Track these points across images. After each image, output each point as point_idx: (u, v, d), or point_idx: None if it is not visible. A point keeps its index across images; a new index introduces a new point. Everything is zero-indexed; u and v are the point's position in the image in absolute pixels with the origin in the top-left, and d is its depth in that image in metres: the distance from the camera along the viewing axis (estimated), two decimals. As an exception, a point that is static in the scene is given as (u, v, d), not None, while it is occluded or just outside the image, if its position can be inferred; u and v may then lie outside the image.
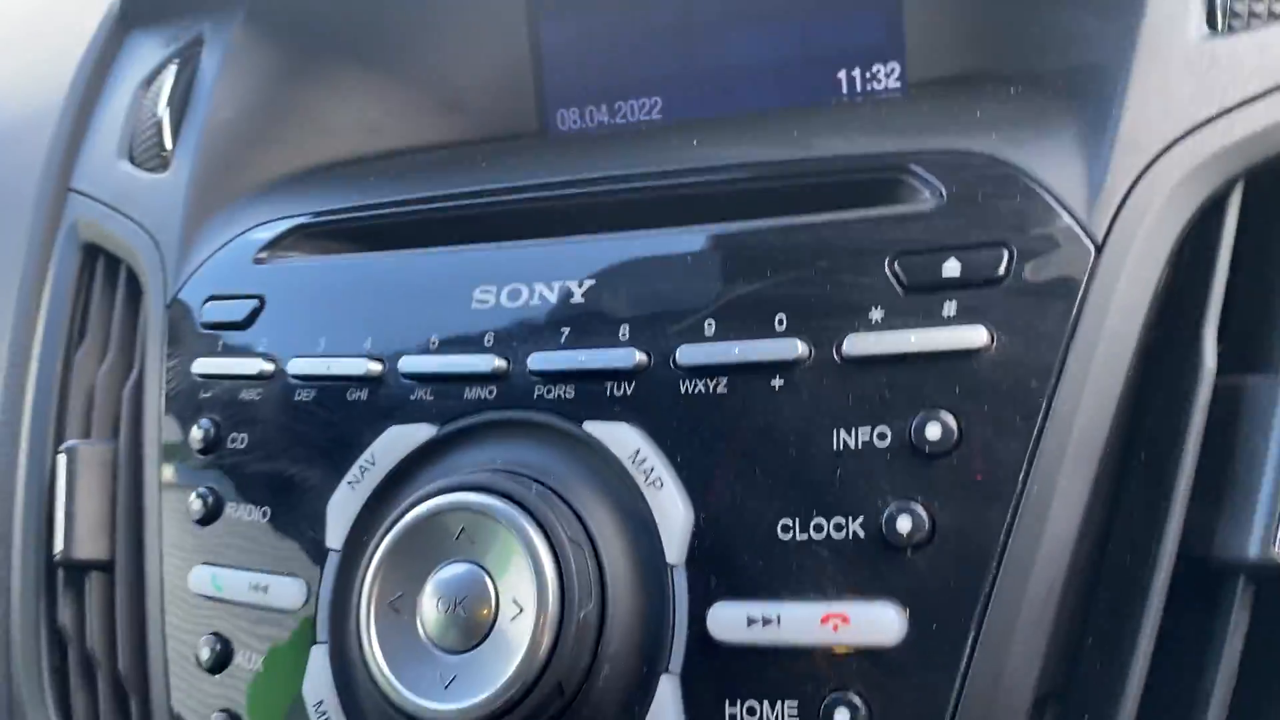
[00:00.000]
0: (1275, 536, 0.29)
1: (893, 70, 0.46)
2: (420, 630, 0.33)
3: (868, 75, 0.47)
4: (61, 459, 0.45)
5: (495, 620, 0.32)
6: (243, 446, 0.40)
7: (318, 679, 0.36)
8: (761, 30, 0.48)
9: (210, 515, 0.40)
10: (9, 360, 0.50)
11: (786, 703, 0.31)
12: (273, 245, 0.44)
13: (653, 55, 0.50)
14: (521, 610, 0.32)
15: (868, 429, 0.31)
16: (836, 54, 0.47)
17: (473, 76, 0.51)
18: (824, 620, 0.30)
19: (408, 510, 0.34)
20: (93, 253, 0.49)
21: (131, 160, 0.50)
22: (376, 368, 0.38)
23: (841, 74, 0.47)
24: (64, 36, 0.56)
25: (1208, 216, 0.32)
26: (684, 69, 0.49)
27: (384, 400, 0.38)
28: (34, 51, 0.58)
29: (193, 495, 0.41)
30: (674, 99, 0.50)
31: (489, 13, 0.51)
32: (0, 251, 0.53)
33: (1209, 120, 0.31)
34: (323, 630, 0.37)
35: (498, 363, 0.36)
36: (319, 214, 0.44)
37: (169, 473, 0.42)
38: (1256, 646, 0.30)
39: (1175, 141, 0.31)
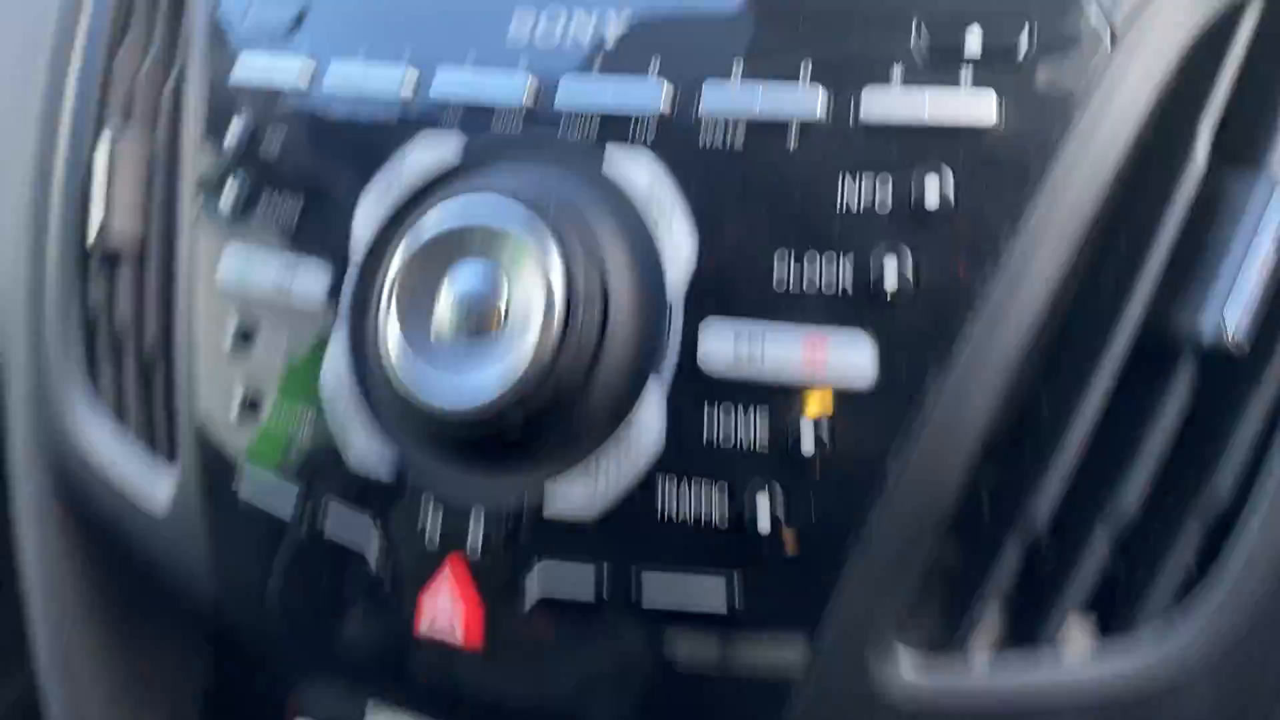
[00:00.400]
0: (1225, 320, 0.31)
1: None
2: (434, 325, 0.35)
3: None
4: (101, 149, 0.47)
5: (505, 320, 0.35)
6: (278, 147, 0.42)
7: (335, 365, 0.39)
8: None
9: (244, 208, 0.42)
10: (51, 55, 0.51)
11: (759, 422, 0.33)
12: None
13: None
14: (530, 313, 0.34)
15: (871, 186, 0.33)
16: None
17: None
18: (804, 351, 0.33)
19: (430, 214, 0.36)
20: None
21: None
22: (413, 80, 0.39)
23: None
24: None
25: (1225, 20, 0.33)
26: None
27: (418, 111, 0.39)
28: None
29: (226, 190, 0.43)
30: None
31: None
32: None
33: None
34: (343, 322, 0.39)
35: (530, 83, 0.38)
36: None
37: (206, 165, 0.44)
38: (1192, 429, 0.32)
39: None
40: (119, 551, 0.47)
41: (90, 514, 0.47)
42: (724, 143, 0.35)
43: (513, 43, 0.38)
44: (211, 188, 0.43)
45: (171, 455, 0.45)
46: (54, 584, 0.50)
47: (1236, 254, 0.31)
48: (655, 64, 0.36)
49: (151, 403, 0.47)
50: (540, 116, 0.38)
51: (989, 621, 0.33)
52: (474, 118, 0.38)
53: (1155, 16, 0.32)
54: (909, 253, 0.32)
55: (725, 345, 0.34)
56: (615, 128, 0.36)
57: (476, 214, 0.35)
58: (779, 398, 0.33)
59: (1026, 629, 0.33)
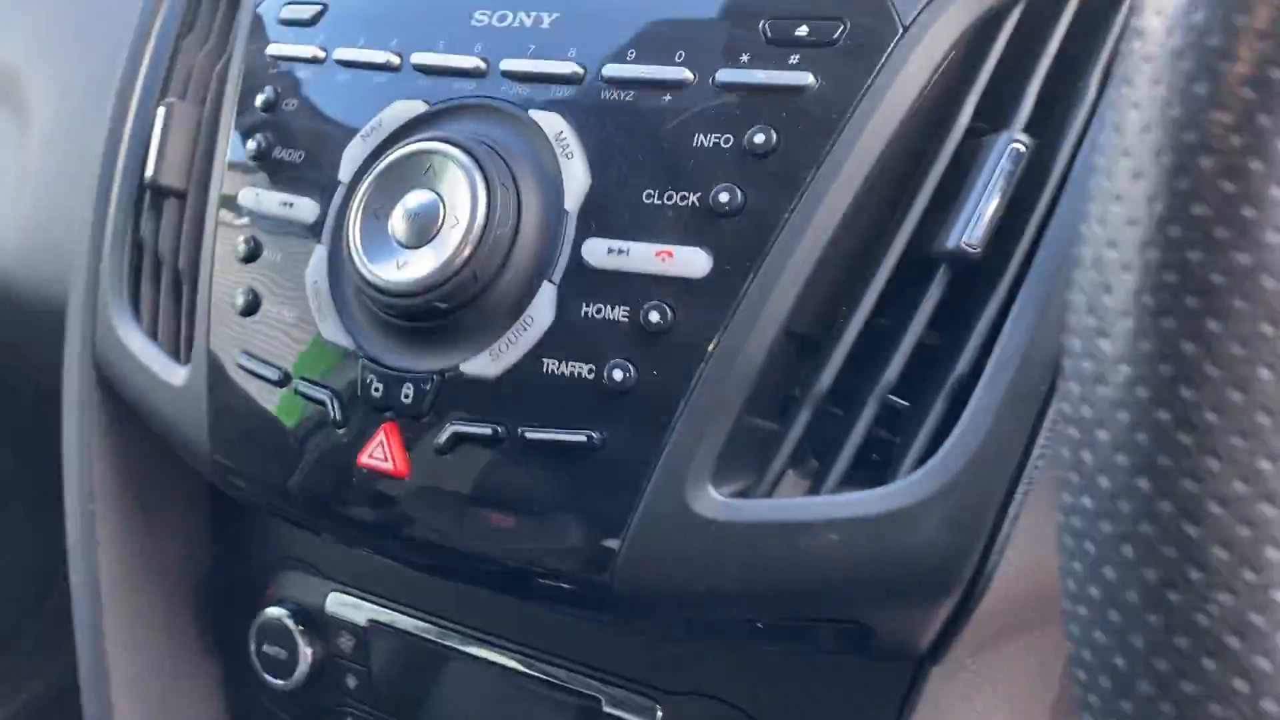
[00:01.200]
0: (963, 233, 0.41)
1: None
2: (389, 231, 0.47)
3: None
4: (161, 110, 0.60)
5: (440, 228, 0.46)
6: (292, 109, 0.54)
7: (317, 267, 0.51)
8: None
9: (262, 155, 0.54)
10: (133, 42, 0.64)
11: (621, 307, 0.44)
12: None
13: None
14: (458, 223, 0.45)
15: (718, 135, 0.44)
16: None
17: None
18: (657, 255, 0.44)
19: (395, 150, 0.48)
20: None
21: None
22: (395, 59, 0.52)
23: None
24: None
25: (992, 16, 0.44)
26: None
27: (396, 83, 0.51)
28: None
29: (251, 141, 0.55)
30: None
31: None
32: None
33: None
34: (326, 236, 0.51)
35: (479, 63, 0.49)
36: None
37: (239, 124, 0.56)
38: (943, 324, 0.42)
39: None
40: (141, 428, 0.59)
41: (122, 395, 0.59)
42: (616, 106, 0.46)
43: (471, 33, 0.50)
44: (240, 140, 0.56)
45: (187, 359, 0.56)
46: (87, 458, 0.62)
47: (979, 189, 0.42)
48: (573, 50, 0.48)
49: (178, 317, 0.58)
50: (486, 87, 0.49)
51: (783, 470, 0.43)
52: (437, 87, 0.50)
53: (939, 13, 0.43)
54: (738, 185, 0.43)
55: (601, 252, 0.45)
56: (541, 93, 0.48)
57: (424, 148, 0.47)
58: (636, 286, 0.44)
59: (813, 478, 0.43)
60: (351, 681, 0.60)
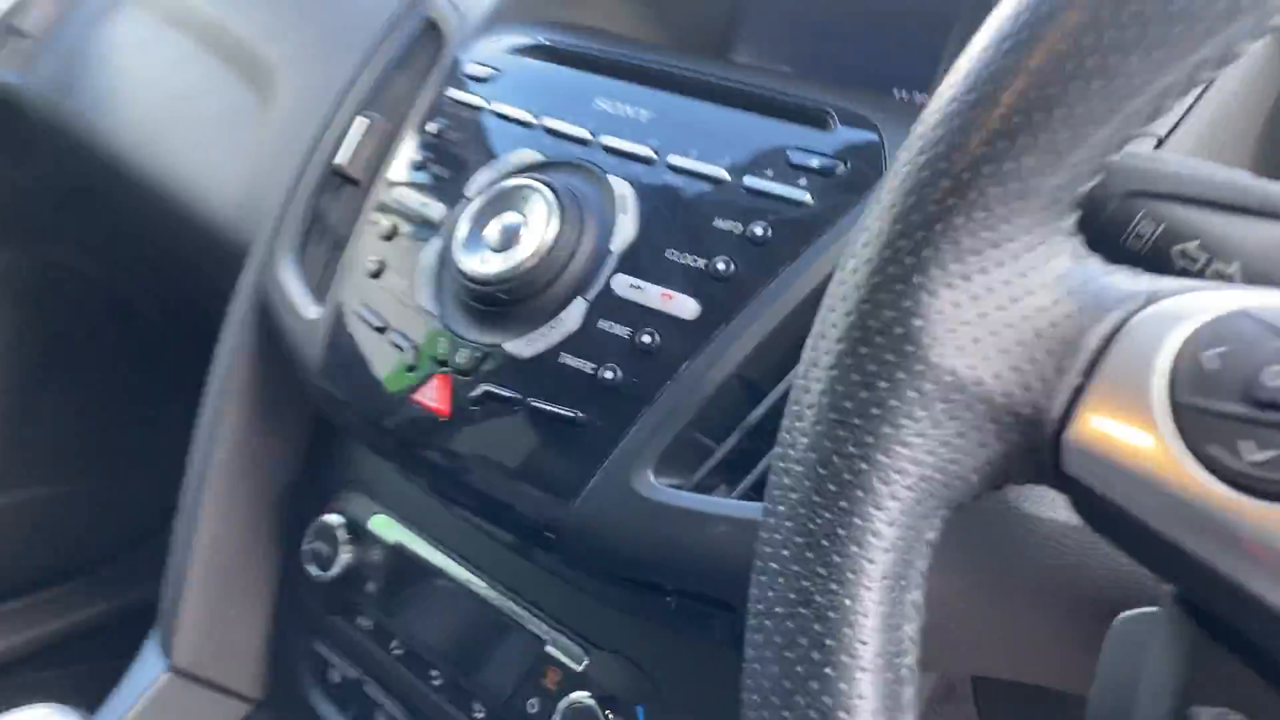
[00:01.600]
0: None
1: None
2: (484, 236, 0.63)
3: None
4: (363, 119, 0.78)
5: (519, 241, 0.61)
6: (451, 138, 0.72)
7: (429, 253, 0.67)
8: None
9: (419, 167, 0.71)
10: (358, 62, 0.84)
11: (625, 327, 0.58)
12: (521, 50, 0.75)
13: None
14: (532, 241, 0.61)
15: (732, 221, 0.58)
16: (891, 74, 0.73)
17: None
18: (662, 296, 0.58)
19: (507, 180, 0.64)
20: (426, 28, 0.82)
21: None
22: (531, 119, 0.68)
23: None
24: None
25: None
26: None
27: (526, 136, 0.68)
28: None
29: (416, 155, 0.72)
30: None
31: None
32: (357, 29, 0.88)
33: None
34: (443, 232, 0.67)
35: (587, 134, 0.65)
36: (553, 40, 0.74)
37: (412, 141, 0.74)
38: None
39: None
40: (276, 350, 0.76)
41: (271, 320, 0.77)
42: (669, 185, 0.61)
43: (589, 113, 0.67)
44: (409, 152, 0.73)
45: (322, 302, 0.73)
46: (232, 364, 0.79)
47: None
48: (653, 140, 0.63)
49: (326, 270, 0.76)
50: (586, 152, 0.65)
51: (708, 475, 0.56)
52: (553, 144, 0.67)
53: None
54: (733, 259, 0.57)
55: (625, 285, 0.59)
56: (621, 164, 0.63)
57: (526, 183, 0.63)
58: (640, 315, 0.58)
59: (729, 486, 0.56)
60: (371, 586, 0.75)
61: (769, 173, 0.59)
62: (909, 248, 0.34)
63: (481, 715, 0.69)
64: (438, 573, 0.72)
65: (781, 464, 0.36)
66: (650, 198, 0.62)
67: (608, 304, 0.60)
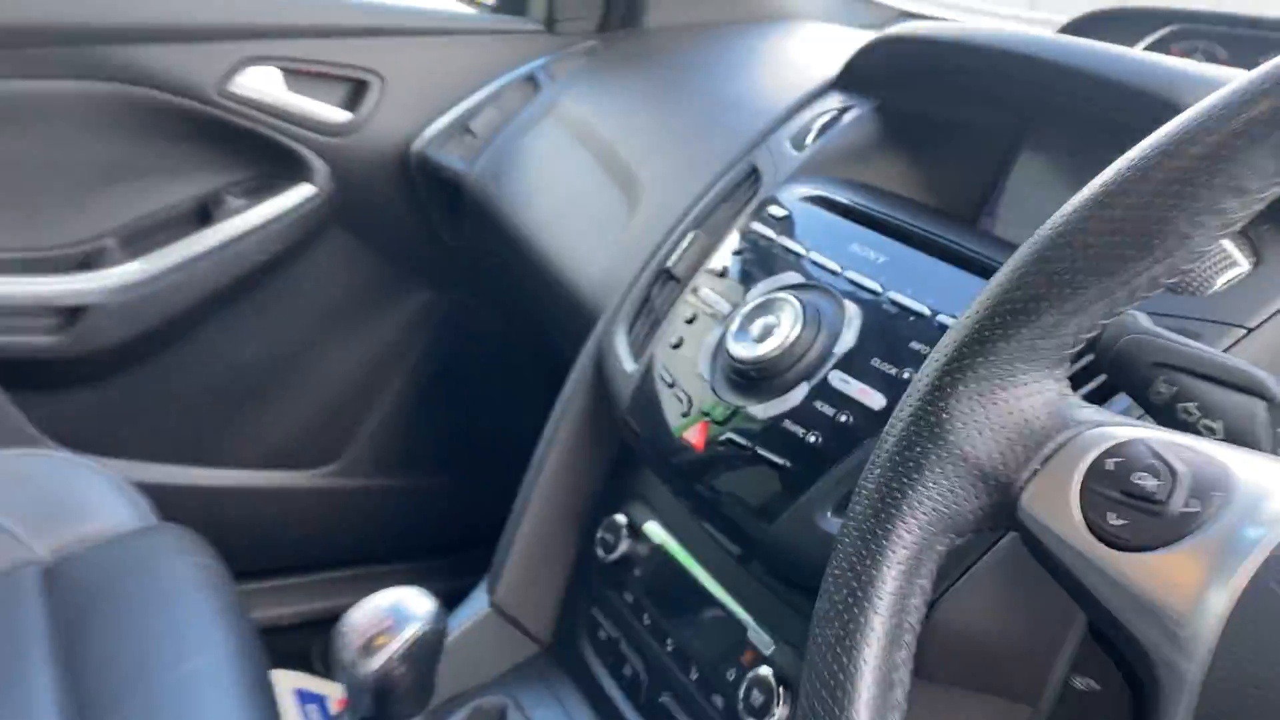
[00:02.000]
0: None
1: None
2: (749, 329, 0.89)
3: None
4: (694, 234, 1.07)
5: (771, 336, 0.87)
6: (747, 258, 0.98)
7: (714, 337, 0.94)
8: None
9: (721, 275, 0.99)
10: (702, 192, 1.13)
11: (830, 407, 0.82)
12: (810, 199, 1.00)
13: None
14: (781, 337, 0.86)
15: (922, 344, 0.81)
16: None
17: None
18: (860, 390, 0.81)
19: (772, 293, 0.90)
20: (749, 171, 1.10)
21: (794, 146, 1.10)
22: (802, 251, 0.94)
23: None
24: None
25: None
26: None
27: (796, 263, 0.93)
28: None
29: (721, 265, 1.00)
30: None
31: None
32: (707, 164, 1.17)
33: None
34: (724, 324, 0.94)
35: (837, 267, 0.90)
36: (832, 194, 1.00)
37: (723, 254, 1.01)
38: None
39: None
40: (606, 392, 1.06)
41: (603, 372, 1.06)
42: (886, 312, 0.84)
43: (844, 253, 0.91)
44: (718, 263, 1.01)
45: (638, 360, 1.02)
46: (568, 405, 1.10)
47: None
48: (882, 279, 0.87)
49: (645, 338, 1.05)
50: (836, 279, 0.90)
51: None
52: (813, 270, 0.92)
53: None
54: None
55: (838, 379, 0.83)
56: (856, 291, 0.87)
57: (784, 297, 0.88)
58: (843, 400, 0.81)
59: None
60: (636, 572, 1.02)
61: (957, 314, 0.81)
62: (951, 372, 0.56)
63: (696, 676, 0.93)
64: (683, 570, 0.98)
65: (859, 492, 0.59)
66: (870, 319, 0.85)
67: (824, 390, 0.84)
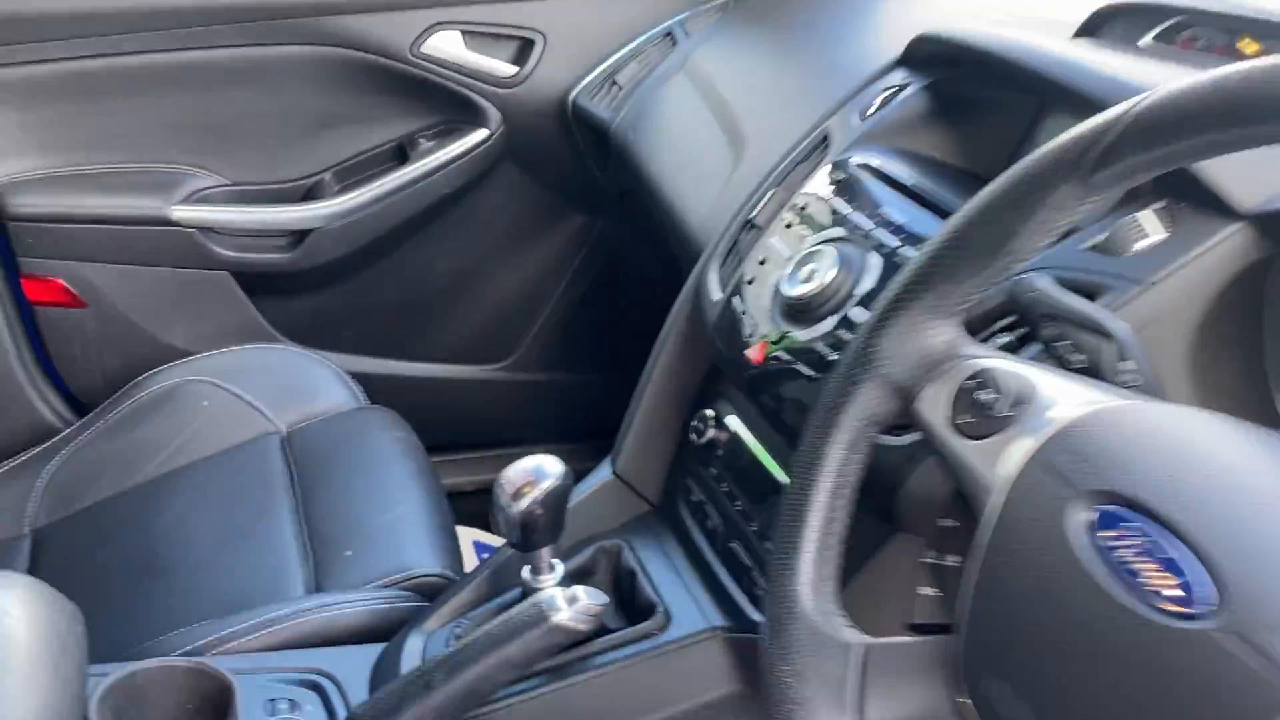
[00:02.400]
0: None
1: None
2: (799, 272, 1.17)
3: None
4: (770, 191, 1.35)
5: (814, 275, 1.15)
6: (811, 208, 1.26)
7: (777, 275, 1.23)
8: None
9: (788, 226, 1.27)
10: (787, 152, 1.40)
11: (849, 332, 1.10)
12: (860, 166, 1.27)
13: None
14: (821, 277, 1.14)
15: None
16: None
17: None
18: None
19: (820, 243, 1.18)
20: (822, 138, 1.36)
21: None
22: (848, 212, 1.21)
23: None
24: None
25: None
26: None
27: (840, 219, 1.21)
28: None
29: (789, 219, 1.28)
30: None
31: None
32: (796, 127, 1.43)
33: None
34: (784, 266, 1.22)
35: (871, 227, 1.17)
36: (879, 164, 1.25)
37: (789, 209, 1.29)
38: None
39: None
40: (700, 314, 1.36)
41: (698, 301, 1.36)
42: (897, 263, 1.12)
43: (876, 215, 1.18)
44: (787, 217, 1.29)
45: (725, 290, 1.32)
46: (677, 316, 1.40)
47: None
48: (903, 235, 1.14)
49: (730, 277, 1.34)
50: (868, 236, 1.17)
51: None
52: (852, 228, 1.19)
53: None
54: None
55: (860, 313, 1.11)
56: (880, 245, 1.15)
57: (823, 249, 1.16)
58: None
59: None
60: (719, 452, 1.34)
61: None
62: (882, 321, 0.85)
63: (755, 528, 1.25)
64: (751, 453, 1.29)
65: (820, 398, 0.88)
66: (887, 268, 1.12)
67: (847, 322, 1.12)
